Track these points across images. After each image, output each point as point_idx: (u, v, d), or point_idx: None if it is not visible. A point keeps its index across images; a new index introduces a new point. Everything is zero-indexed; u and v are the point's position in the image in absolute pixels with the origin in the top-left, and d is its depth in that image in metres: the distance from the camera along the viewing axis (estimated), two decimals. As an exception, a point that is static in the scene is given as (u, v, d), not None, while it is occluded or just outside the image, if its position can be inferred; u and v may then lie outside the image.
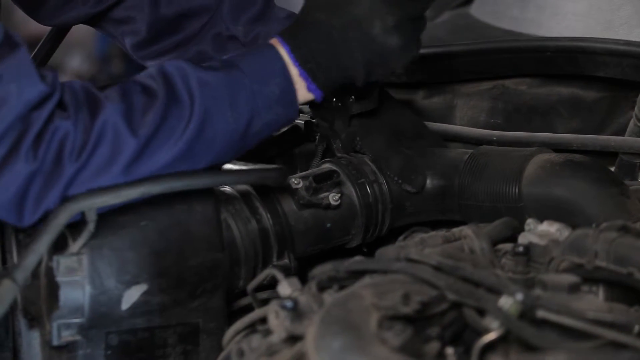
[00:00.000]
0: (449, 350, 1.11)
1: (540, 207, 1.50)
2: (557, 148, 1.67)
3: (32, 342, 1.42)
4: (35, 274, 1.38)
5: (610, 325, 1.10)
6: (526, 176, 1.53)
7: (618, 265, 1.22)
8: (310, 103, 1.52)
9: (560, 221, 1.35)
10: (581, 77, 1.86)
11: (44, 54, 1.92)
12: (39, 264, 1.37)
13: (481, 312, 1.13)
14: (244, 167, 1.64)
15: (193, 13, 1.77)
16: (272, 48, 1.47)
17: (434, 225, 1.59)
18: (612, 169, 1.68)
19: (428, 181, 1.62)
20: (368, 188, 1.60)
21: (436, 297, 1.15)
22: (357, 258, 1.27)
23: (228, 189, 1.54)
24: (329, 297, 1.20)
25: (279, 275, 1.27)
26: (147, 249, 1.39)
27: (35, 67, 1.35)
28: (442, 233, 1.36)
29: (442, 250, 1.29)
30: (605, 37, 1.84)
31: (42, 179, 1.33)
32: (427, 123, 1.78)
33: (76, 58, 5.33)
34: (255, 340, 1.23)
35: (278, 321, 1.18)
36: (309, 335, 1.09)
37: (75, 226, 1.37)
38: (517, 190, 1.53)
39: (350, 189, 1.59)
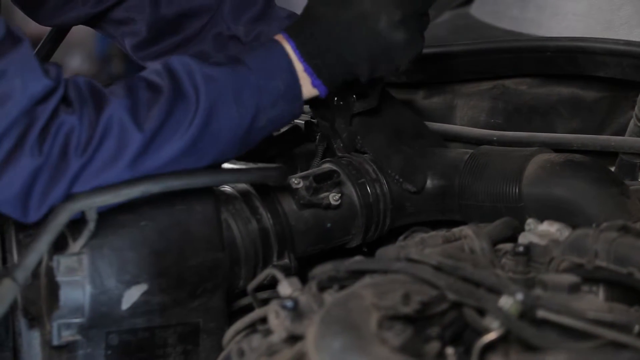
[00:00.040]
0: (449, 350, 1.11)
1: (541, 207, 1.50)
2: (557, 148, 1.67)
3: (32, 342, 1.42)
4: (35, 273, 1.38)
5: (611, 325, 1.10)
6: (526, 176, 1.53)
7: (618, 265, 1.22)
8: (313, 100, 1.52)
9: (560, 221, 1.35)
10: (581, 77, 1.86)
11: (44, 54, 1.92)
12: (39, 263, 1.37)
13: (481, 312, 1.13)
14: (244, 167, 1.64)
15: (193, 13, 1.77)
16: (278, 44, 1.48)
17: (434, 225, 1.59)
18: (612, 169, 1.68)
19: (428, 181, 1.62)
20: (368, 188, 1.60)
21: (436, 297, 1.15)
22: (357, 258, 1.27)
23: (228, 189, 1.54)
24: (329, 297, 1.20)
25: (279, 275, 1.27)
26: (147, 248, 1.39)
27: (39, 61, 1.35)
28: (442, 233, 1.36)
29: (443, 250, 1.29)
30: (606, 37, 1.84)
31: (48, 174, 1.33)
32: (427, 123, 1.78)
33: (76, 58, 5.33)
34: (256, 340, 1.23)
35: (278, 321, 1.18)
36: (309, 335, 1.09)
37: (76, 226, 1.37)
38: (517, 190, 1.53)
39: (350, 189, 1.60)
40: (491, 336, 1.10)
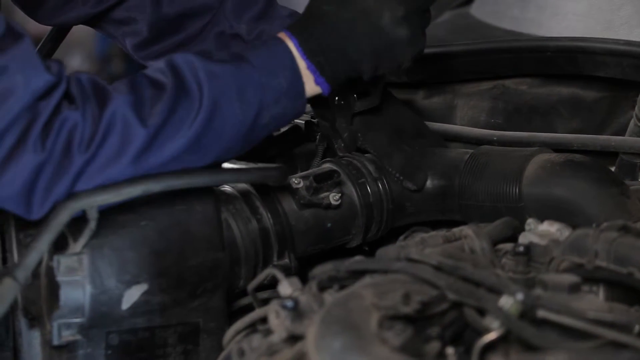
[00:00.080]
0: (450, 350, 1.11)
1: (541, 207, 1.50)
2: (557, 148, 1.67)
3: (32, 342, 1.42)
4: (35, 273, 1.38)
5: (611, 325, 1.10)
6: (526, 176, 1.53)
7: (618, 265, 1.22)
8: (315, 99, 1.52)
9: (560, 221, 1.35)
10: (581, 77, 1.86)
11: (45, 54, 1.92)
12: (40, 263, 1.37)
13: (482, 312, 1.13)
14: (244, 166, 1.64)
15: (195, 12, 1.77)
16: (281, 41, 1.48)
17: (435, 225, 1.59)
18: (613, 169, 1.68)
19: (428, 181, 1.62)
20: (368, 188, 1.60)
21: (437, 297, 1.15)
22: (358, 258, 1.27)
23: (228, 189, 1.54)
24: (329, 296, 1.20)
25: (279, 275, 1.27)
26: (147, 248, 1.39)
27: (40, 57, 1.35)
28: (442, 233, 1.36)
29: (443, 250, 1.29)
30: (606, 37, 1.84)
31: (51, 170, 1.33)
32: (427, 123, 1.78)
33: (76, 58, 5.33)
34: (256, 339, 1.23)
35: (278, 321, 1.18)
36: (309, 335, 1.09)
37: (76, 226, 1.37)
38: (517, 190, 1.53)
39: (350, 189, 1.60)
40: (491, 336, 1.10)
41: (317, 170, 1.61)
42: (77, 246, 1.37)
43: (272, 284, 1.36)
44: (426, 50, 1.59)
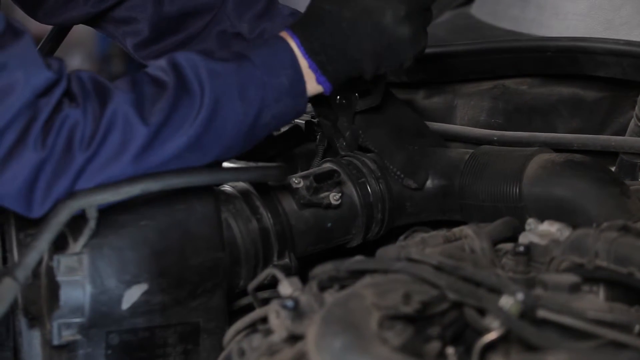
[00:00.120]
0: (450, 350, 1.11)
1: (541, 207, 1.50)
2: (557, 148, 1.67)
3: (32, 342, 1.42)
4: (36, 273, 1.38)
5: (611, 325, 1.10)
6: (527, 176, 1.53)
7: (618, 265, 1.22)
8: (316, 99, 1.52)
9: (561, 221, 1.35)
10: (582, 77, 1.87)
11: (45, 53, 1.91)
12: (40, 263, 1.37)
13: (482, 312, 1.13)
14: (244, 165, 1.64)
15: (197, 11, 1.76)
16: (282, 40, 1.48)
17: (435, 225, 1.59)
18: (613, 168, 1.68)
19: (429, 181, 1.62)
20: (369, 187, 1.60)
21: (437, 296, 1.15)
22: (358, 258, 1.27)
23: (228, 189, 1.54)
24: (329, 296, 1.20)
25: (279, 274, 1.27)
26: (147, 248, 1.39)
27: (41, 54, 1.35)
28: (442, 233, 1.36)
29: (443, 250, 1.29)
30: (606, 37, 1.84)
31: (52, 168, 1.33)
32: (427, 123, 1.78)
33: (77, 58, 5.33)
34: (256, 339, 1.23)
35: (279, 321, 1.18)
36: (309, 335, 1.09)
37: (76, 226, 1.37)
38: (517, 190, 1.53)
39: (350, 189, 1.60)
40: (492, 336, 1.10)
41: (317, 170, 1.61)
42: (77, 246, 1.36)
43: (273, 283, 1.36)
44: (426, 50, 1.59)
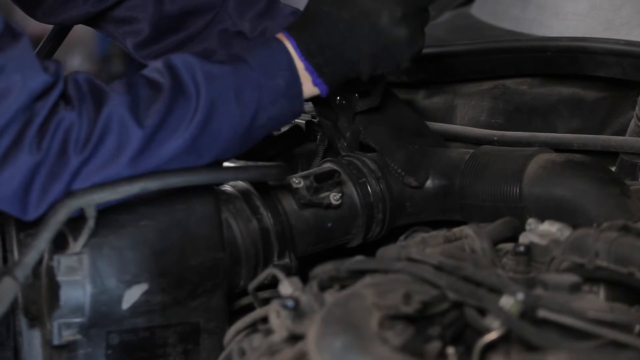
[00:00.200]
0: (450, 350, 1.11)
1: (541, 207, 1.50)
2: (557, 148, 1.67)
3: (33, 342, 1.42)
4: (36, 273, 1.38)
5: (611, 325, 1.10)
6: (527, 176, 1.53)
7: (619, 265, 1.22)
8: (316, 99, 1.52)
9: (561, 221, 1.35)
10: (582, 77, 1.87)
11: (45, 53, 1.91)
12: (40, 263, 1.37)
13: (482, 312, 1.13)
14: (243, 165, 1.64)
15: (198, 10, 1.76)
16: (279, 42, 1.47)
17: (435, 225, 1.59)
18: (613, 168, 1.68)
19: (429, 180, 1.62)
20: (369, 187, 1.60)
21: (437, 296, 1.15)
22: (358, 258, 1.27)
23: (229, 188, 1.54)
24: (330, 296, 1.20)
25: (279, 274, 1.27)
26: (147, 248, 1.39)
27: (38, 57, 1.35)
28: (443, 233, 1.36)
29: (443, 250, 1.29)
30: (606, 37, 1.84)
31: (47, 170, 1.33)
32: (427, 123, 1.78)
33: (77, 58, 5.33)
34: (257, 339, 1.23)
35: (279, 321, 1.18)
36: (310, 335, 1.09)
37: (76, 225, 1.37)
38: (518, 190, 1.53)
39: (351, 189, 1.59)
40: (492, 336, 1.10)
41: (317, 170, 1.61)
42: (77, 246, 1.36)
43: (273, 283, 1.36)
44: (426, 50, 1.59)
